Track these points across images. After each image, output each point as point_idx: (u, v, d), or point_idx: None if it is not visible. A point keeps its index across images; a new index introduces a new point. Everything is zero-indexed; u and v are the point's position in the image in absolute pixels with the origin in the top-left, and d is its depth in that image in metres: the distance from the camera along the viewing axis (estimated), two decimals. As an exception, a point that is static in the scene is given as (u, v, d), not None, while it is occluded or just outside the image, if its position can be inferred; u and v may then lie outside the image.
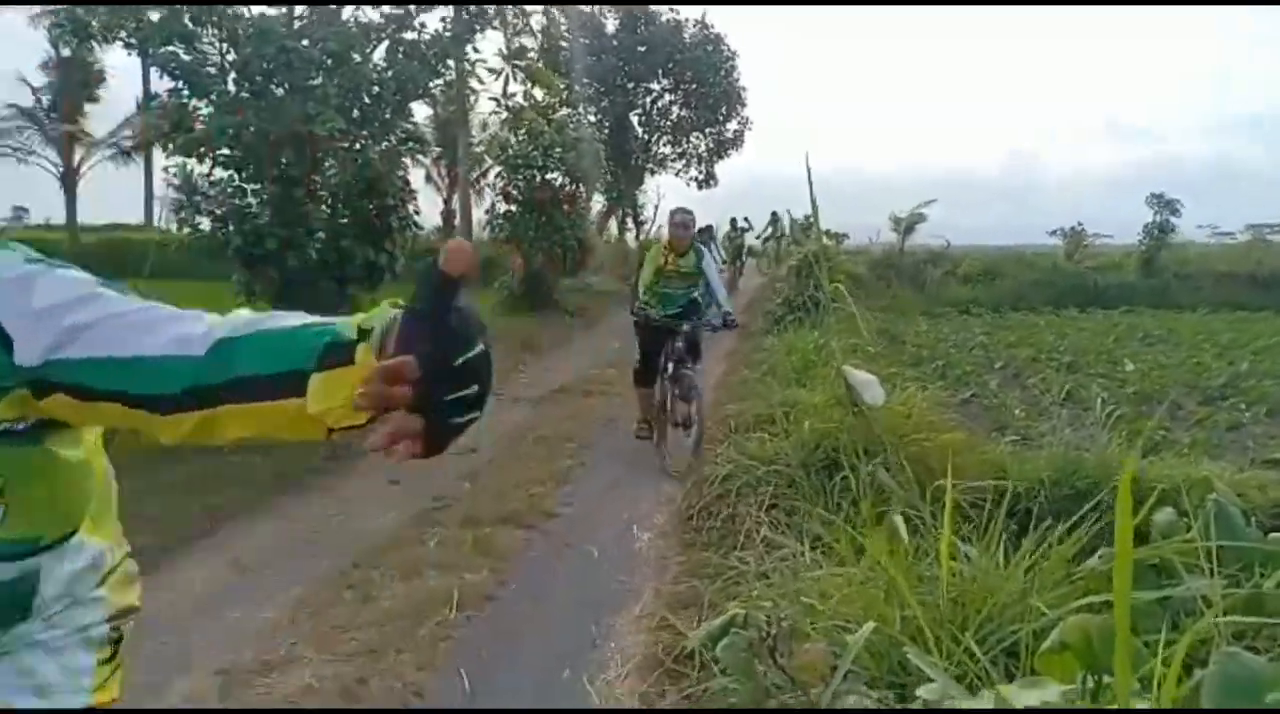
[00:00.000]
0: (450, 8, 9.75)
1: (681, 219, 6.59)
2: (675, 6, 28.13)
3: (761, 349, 11.32)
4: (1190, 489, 3.72)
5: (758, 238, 26.50)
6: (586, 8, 27.12)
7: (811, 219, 6.13)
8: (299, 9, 9.64)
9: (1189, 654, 2.31)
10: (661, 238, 6.76)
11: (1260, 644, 2.64)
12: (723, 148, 29.87)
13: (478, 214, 24.10)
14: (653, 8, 27.90)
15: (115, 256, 22.83)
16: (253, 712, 3.40)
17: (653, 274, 6.52)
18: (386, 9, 9.57)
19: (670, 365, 6.42)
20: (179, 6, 8.64)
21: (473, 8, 9.63)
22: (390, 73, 9.46)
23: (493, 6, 9.84)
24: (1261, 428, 7.82)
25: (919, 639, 2.58)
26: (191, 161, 8.80)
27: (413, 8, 9.49)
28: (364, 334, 0.90)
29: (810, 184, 4.68)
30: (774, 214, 26.34)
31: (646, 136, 29.39)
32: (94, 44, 9.59)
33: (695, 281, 6.62)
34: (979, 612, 2.68)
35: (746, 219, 25.54)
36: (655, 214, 29.28)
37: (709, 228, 25.20)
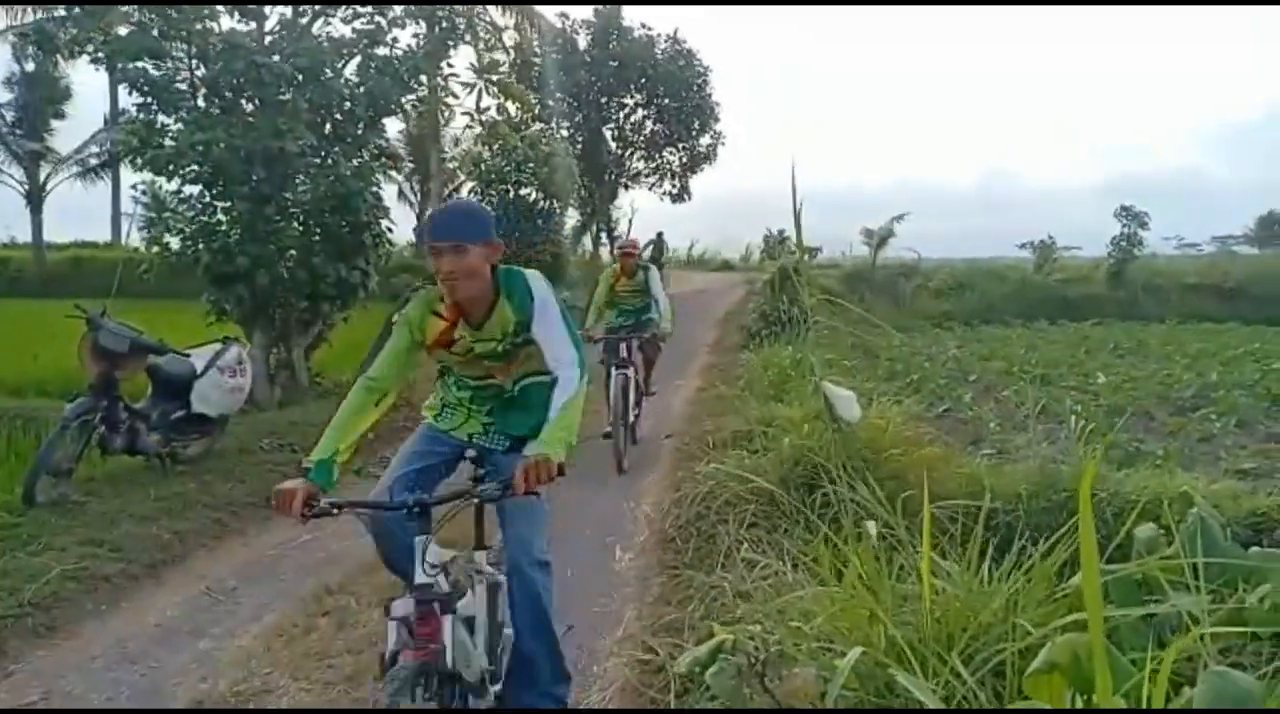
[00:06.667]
0: (423, 24, 9.66)
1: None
2: (647, 23, 28.27)
3: (738, 364, 11.31)
4: (1170, 503, 3.73)
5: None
6: (558, 23, 27.16)
7: (787, 233, 6.11)
8: (269, 24, 9.52)
9: (1177, 672, 2.30)
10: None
11: (1246, 660, 2.63)
12: (696, 162, 29.97)
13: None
14: (625, 23, 28.00)
15: (82, 276, 22.50)
16: (252, 712, 3.34)
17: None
18: (358, 25, 9.44)
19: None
20: (148, 22, 8.50)
21: (445, 24, 9.54)
22: (362, 88, 9.35)
23: (464, 22, 9.72)
24: (1232, 438, 7.89)
25: (905, 661, 2.55)
26: (160, 179, 8.66)
27: (384, 23, 9.38)
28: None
29: (794, 193, 4.60)
30: (659, 234, 25.89)
31: (620, 151, 29.42)
32: (59, 58, 9.40)
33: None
34: (964, 631, 2.65)
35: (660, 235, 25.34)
36: (629, 229, 29.29)
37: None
